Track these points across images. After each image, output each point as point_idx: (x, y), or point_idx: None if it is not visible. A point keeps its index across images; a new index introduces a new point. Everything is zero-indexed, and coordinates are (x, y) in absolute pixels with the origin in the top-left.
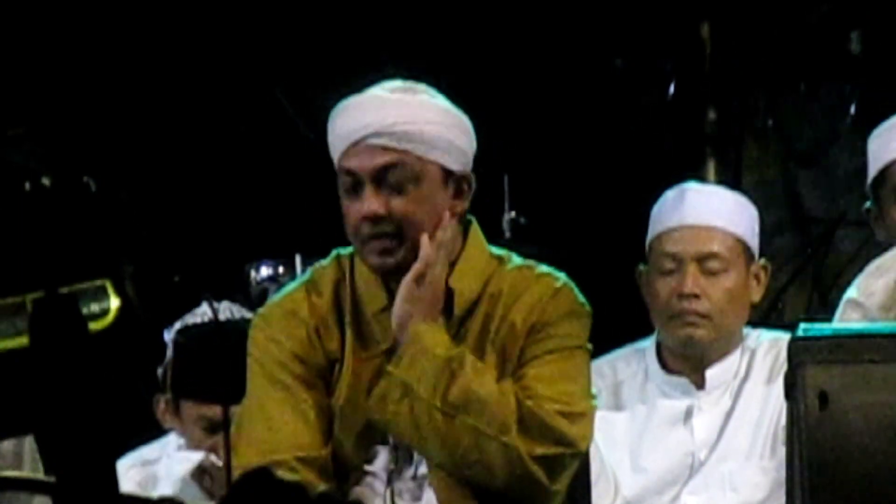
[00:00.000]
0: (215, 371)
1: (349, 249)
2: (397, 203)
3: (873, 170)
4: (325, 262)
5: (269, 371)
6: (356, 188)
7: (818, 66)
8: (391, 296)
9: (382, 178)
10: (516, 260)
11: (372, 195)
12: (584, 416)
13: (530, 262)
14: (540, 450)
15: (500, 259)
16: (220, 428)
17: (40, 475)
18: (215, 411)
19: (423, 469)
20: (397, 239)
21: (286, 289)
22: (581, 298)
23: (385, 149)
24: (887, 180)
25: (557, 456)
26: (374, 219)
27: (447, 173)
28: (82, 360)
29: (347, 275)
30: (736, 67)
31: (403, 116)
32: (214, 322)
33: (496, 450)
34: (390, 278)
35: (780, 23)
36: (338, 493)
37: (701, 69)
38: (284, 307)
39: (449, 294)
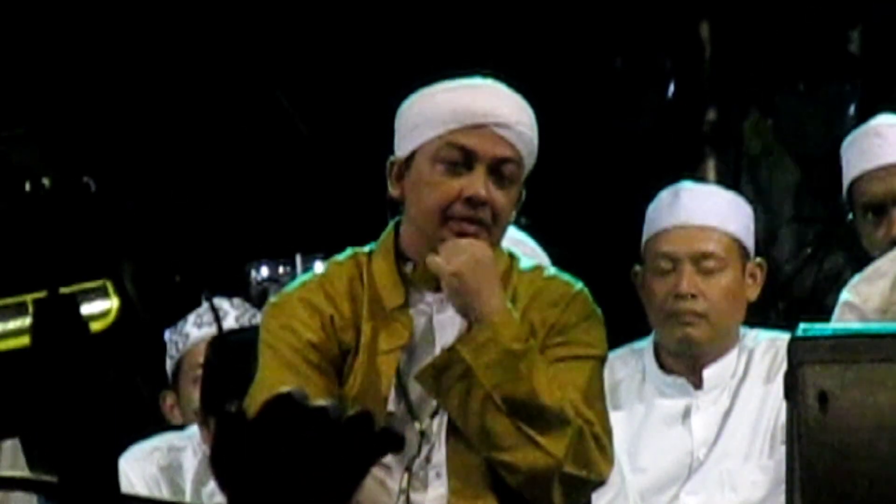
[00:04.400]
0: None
1: (366, 248)
2: (499, 196)
3: (844, 184)
4: (339, 258)
5: (282, 356)
6: (463, 166)
7: (818, 66)
8: (409, 294)
9: (496, 169)
10: (526, 260)
11: (484, 180)
12: (609, 445)
13: (540, 264)
14: (570, 469)
15: (511, 256)
16: None
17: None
18: None
19: (436, 457)
20: (487, 230)
21: (300, 280)
22: (596, 306)
23: (507, 142)
24: (853, 198)
25: (582, 479)
26: (479, 203)
27: (521, 184)
28: (82, 360)
29: (365, 271)
30: (736, 67)
31: (521, 117)
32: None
33: (534, 458)
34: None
35: (779, 22)
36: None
37: (701, 69)
38: (299, 296)
39: None
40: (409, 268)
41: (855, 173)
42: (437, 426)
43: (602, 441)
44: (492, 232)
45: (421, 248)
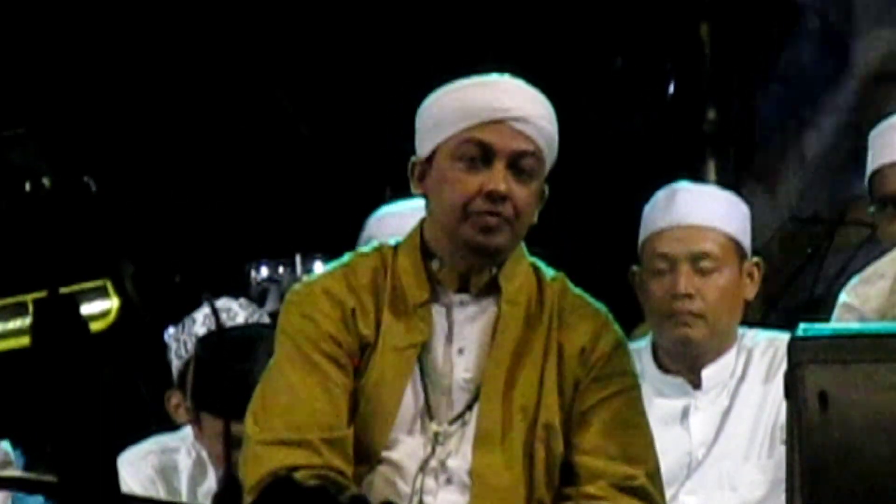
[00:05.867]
0: (238, 386)
1: (391, 242)
2: (520, 190)
3: (867, 174)
4: (364, 250)
5: (300, 348)
6: (482, 162)
7: (817, 67)
8: (434, 290)
9: (515, 163)
10: (547, 269)
11: (503, 174)
12: (655, 484)
13: (560, 275)
14: None
15: (535, 266)
16: (241, 444)
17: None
18: (238, 428)
19: (451, 463)
20: (509, 224)
21: (323, 270)
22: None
23: (525, 136)
24: (873, 189)
25: None
26: (499, 197)
27: (543, 179)
28: (82, 361)
29: (389, 265)
30: (736, 67)
31: (539, 111)
32: (236, 329)
33: None
34: (470, 263)
35: (779, 23)
36: (355, 479)
37: (701, 69)
38: (321, 286)
39: (497, 290)
40: (435, 264)
41: (876, 165)
42: (458, 434)
43: (646, 490)
44: (514, 227)
45: (445, 245)
